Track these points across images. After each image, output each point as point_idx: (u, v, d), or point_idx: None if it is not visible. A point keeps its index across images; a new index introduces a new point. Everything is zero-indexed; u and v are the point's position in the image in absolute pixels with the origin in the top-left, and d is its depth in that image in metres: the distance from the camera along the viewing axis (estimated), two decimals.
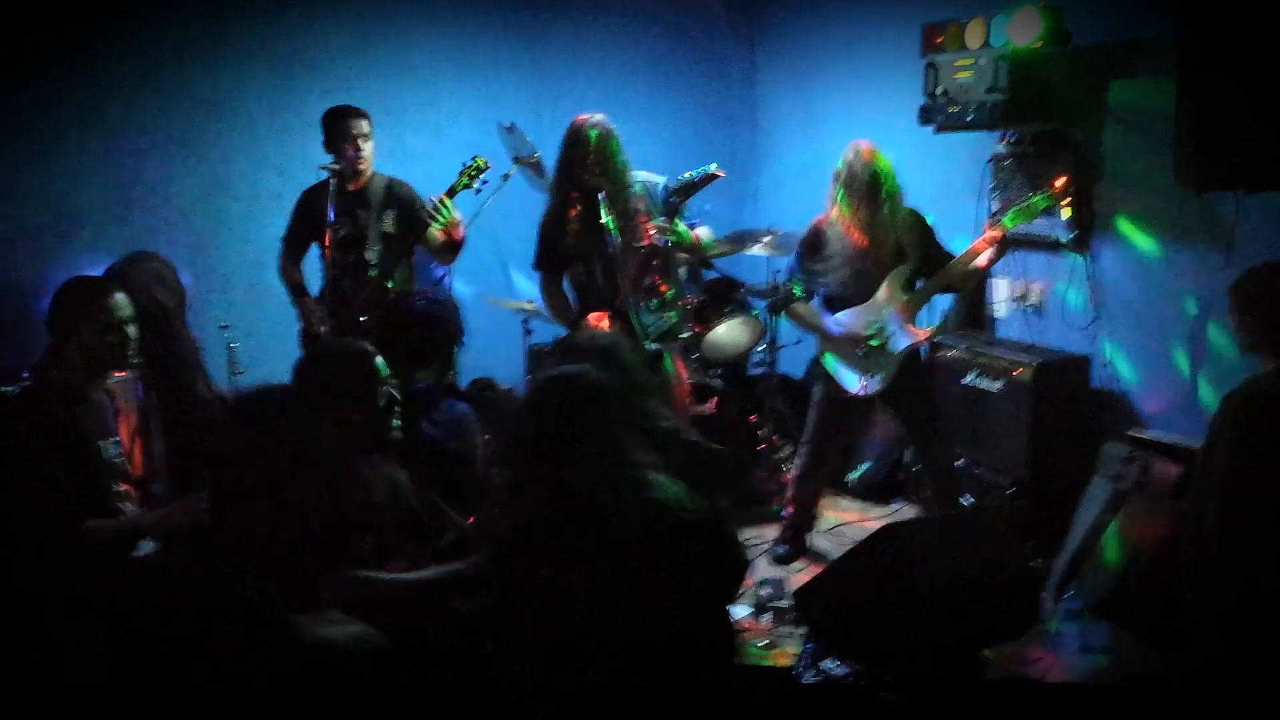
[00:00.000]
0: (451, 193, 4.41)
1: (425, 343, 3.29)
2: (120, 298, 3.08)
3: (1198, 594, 3.08)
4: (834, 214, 4.17)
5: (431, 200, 4.43)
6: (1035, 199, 4.18)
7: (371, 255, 4.55)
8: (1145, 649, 3.57)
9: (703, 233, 4.32)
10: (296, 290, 4.72)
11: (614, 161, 4.04)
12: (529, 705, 2.37)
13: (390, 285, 4.55)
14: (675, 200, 4.13)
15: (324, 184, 4.53)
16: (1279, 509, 2.92)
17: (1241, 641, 2.98)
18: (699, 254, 4.31)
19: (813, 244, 4.30)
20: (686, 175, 4.17)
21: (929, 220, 4.31)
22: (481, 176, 4.46)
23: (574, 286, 4.26)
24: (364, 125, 4.54)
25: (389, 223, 4.59)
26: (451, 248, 4.57)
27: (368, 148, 4.56)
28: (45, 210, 5.33)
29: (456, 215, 4.42)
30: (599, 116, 4.08)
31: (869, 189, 4.04)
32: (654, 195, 4.16)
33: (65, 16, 5.20)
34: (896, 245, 4.17)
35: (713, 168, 4.13)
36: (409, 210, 4.60)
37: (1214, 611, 3.05)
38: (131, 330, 3.09)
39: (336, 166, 4.48)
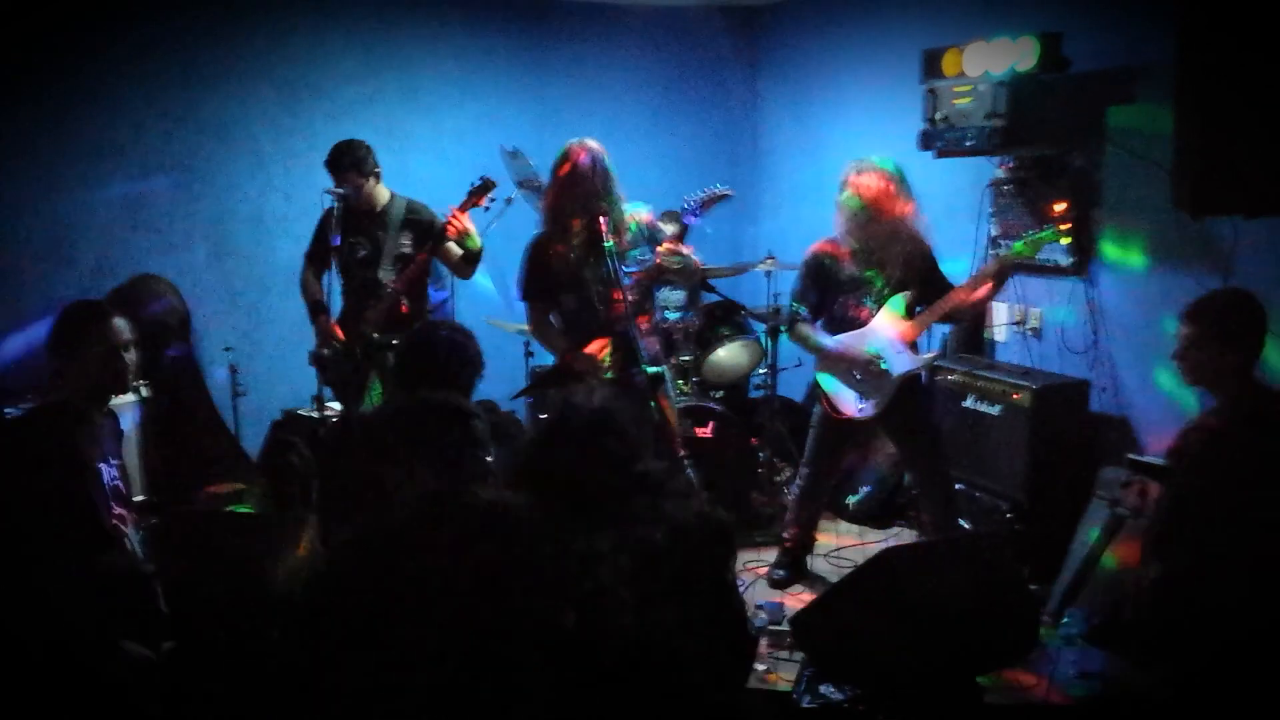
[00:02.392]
0: (463, 209, 4.54)
1: (447, 373, 3.30)
2: (120, 322, 3.09)
3: (1160, 623, 3.13)
4: (844, 232, 4.19)
5: (446, 218, 4.54)
6: (1043, 233, 4.18)
7: (384, 275, 4.67)
8: (1142, 674, 3.56)
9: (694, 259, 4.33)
10: (315, 307, 4.81)
11: (612, 186, 4.05)
12: None
13: (403, 300, 4.67)
14: (693, 219, 4.14)
15: (344, 205, 4.67)
16: (1238, 540, 2.95)
17: (1204, 670, 3.01)
18: (695, 279, 4.32)
19: (818, 266, 4.32)
20: (696, 196, 4.18)
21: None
22: (490, 194, 4.59)
23: (563, 315, 4.22)
24: (355, 178, 4.63)
25: (405, 244, 4.71)
26: (470, 259, 4.68)
27: (367, 190, 4.68)
28: (52, 233, 5.38)
29: (472, 227, 4.56)
30: (593, 141, 4.08)
31: (886, 191, 4.09)
32: (641, 227, 4.17)
33: (73, 41, 5.26)
34: (901, 270, 4.20)
35: (719, 188, 4.14)
36: (426, 232, 4.71)
37: (1177, 642, 3.09)
38: (131, 355, 3.10)
39: (341, 191, 4.60)
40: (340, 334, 4.69)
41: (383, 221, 4.71)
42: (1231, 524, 2.94)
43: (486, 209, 4.65)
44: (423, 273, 4.74)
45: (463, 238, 4.56)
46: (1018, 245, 4.12)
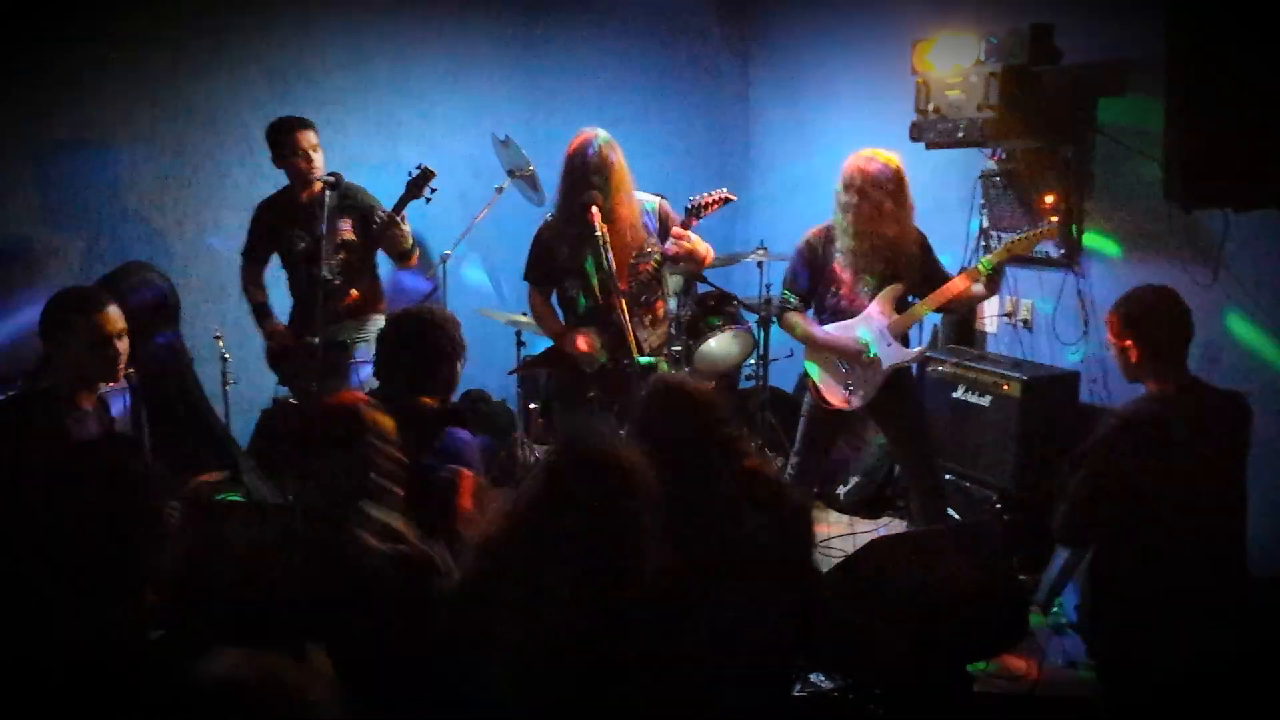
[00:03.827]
0: (399, 207, 4.35)
1: (424, 362, 3.25)
2: (113, 310, 3.08)
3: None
4: (843, 224, 4.18)
5: (383, 218, 4.42)
6: (1036, 231, 4.19)
7: (327, 270, 4.35)
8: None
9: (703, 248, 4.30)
10: (259, 310, 4.72)
11: (622, 174, 4.04)
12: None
13: (355, 293, 4.53)
14: (688, 221, 4.12)
15: (280, 195, 4.58)
16: (1151, 530, 3.01)
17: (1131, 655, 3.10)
18: (700, 268, 4.30)
19: (810, 255, 4.32)
20: (696, 199, 4.16)
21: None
22: (429, 185, 4.33)
23: (563, 301, 4.27)
24: (312, 136, 4.56)
25: (345, 230, 4.55)
26: (402, 256, 4.59)
27: (318, 158, 4.56)
28: (40, 220, 5.34)
29: (407, 227, 4.47)
30: (601, 130, 4.07)
31: (896, 185, 4.10)
32: (649, 214, 4.18)
33: (61, 27, 5.22)
34: (895, 262, 4.20)
35: (723, 191, 4.13)
36: (366, 215, 4.57)
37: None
38: (123, 343, 3.09)
39: (330, 179, 4.41)
40: (287, 335, 4.60)
41: (317, 210, 4.39)
42: (1136, 514, 3.01)
43: (428, 200, 4.39)
44: (365, 259, 4.57)
45: (401, 241, 4.46)
46: (1008, 243, 4.14)
